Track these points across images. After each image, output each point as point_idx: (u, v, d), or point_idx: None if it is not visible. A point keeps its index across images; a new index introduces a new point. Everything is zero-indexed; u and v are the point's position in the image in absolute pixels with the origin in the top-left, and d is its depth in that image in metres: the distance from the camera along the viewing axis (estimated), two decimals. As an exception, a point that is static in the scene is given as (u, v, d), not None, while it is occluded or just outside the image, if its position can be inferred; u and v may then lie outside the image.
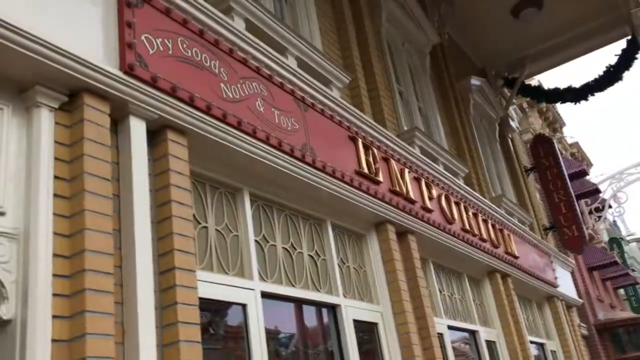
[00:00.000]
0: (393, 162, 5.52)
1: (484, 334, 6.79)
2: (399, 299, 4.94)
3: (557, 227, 11.30)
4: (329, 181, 4.41)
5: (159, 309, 2.75)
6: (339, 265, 4.71)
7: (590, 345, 13.58)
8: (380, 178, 5.15)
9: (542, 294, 9.49)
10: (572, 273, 12.70)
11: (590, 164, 23.53)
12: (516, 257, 7.91)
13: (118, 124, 2.93)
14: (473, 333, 6.61)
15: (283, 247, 4.17)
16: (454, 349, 6.06)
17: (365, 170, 4.94)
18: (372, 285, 4.98)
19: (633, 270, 24.89)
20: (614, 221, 30.44)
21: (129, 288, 2.63)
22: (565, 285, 10.88)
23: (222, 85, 3.54)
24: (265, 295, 3.75)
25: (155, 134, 3.08)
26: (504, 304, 7.27)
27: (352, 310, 4.59)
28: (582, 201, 19.29)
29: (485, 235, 7.06)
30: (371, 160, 5.10)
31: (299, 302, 4.21)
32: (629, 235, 38.81)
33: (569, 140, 22.50)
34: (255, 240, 3.88)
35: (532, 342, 8.39)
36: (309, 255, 4.44)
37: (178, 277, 2.79)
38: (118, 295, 2.60)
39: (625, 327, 15.33)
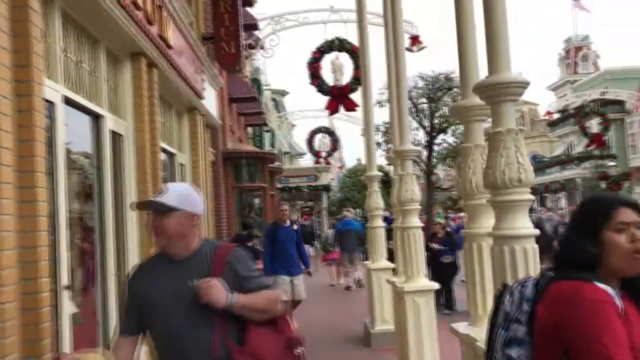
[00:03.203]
0: None
1: (111, 123, 5.42)
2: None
3: (216, 39, 10.32)
4: None
5: None
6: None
7: (214, 170, 13.58)
8: None
9: (185, 103, 8.51)
10: (217, 96, 12.15)
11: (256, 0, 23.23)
12: (170, 47, 6.59)
13: None
14: (97, 118, 5.18)
15: None
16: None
17: None
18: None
19: (265, 115, 26.43)
20: (258, 67, 31.62)
21: None
22: (210, 103, 10.18)
23: None
24: None
25: None
26: (142, 96, 5.95)
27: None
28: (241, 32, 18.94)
29: (140, 2, 5.47)
30: None
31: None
32: (265, 85, 41.35)
33: (242, -29, 21.59)
34: None
35: (163, 149, 7.42)
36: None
37: None
38: None
39: (247, 159, 15.92)
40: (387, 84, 7.21)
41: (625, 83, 38.44)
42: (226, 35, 10.26)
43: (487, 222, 3.44)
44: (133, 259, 5.68)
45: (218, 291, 2.38)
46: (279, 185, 26.87)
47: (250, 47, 21.39)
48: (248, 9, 18.80)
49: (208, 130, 10.66)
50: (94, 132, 5.15)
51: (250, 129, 23.56)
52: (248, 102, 18.14)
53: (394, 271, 7.74)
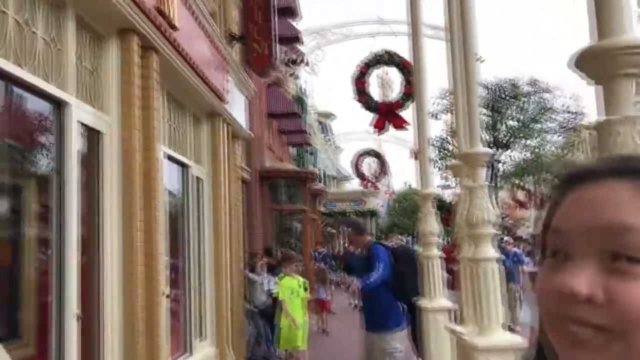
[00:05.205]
0: None
1: (83, 114, 4.07)
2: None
3: (247, 39, 9.04)
4: None
5: None
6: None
7: (248, 191, 12.26)
8: None
9: (204, 106, 7.18)
10: (251, 113, 10.85)
11: (300, 16, 22.15)
12: (173, 27, 5.24)
13: None
14: (59, 105, 3.84)
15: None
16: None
17: None
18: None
19: (309, 135, 25.11)
20: (304, 89, 30.48)
21: None
22: (238, 110, 8.86)
23: None
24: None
25: None
26: (133, 85, 4.61)
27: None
28: (280, 47, 17.73)
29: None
30: None
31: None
32: (311, 107, 40.25)
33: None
34: None
35: (170, 156, 6.09)
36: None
37: None
38: None
39: (287, 179, 14.54)
40: (453, 84, 5.76)
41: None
42: (258, 34, 8.95)
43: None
44: (111, 295, 4.30)
45: None
46: (324, 210, 25.38)
47: (294, 62, 20.28)
48: (291, 21, 17.61)
49: (239, 143, 9.32)
50: (55, 123, 3.82)
51: (293, 150, 22.25)
52: (289, 118, 16.83)
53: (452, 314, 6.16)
